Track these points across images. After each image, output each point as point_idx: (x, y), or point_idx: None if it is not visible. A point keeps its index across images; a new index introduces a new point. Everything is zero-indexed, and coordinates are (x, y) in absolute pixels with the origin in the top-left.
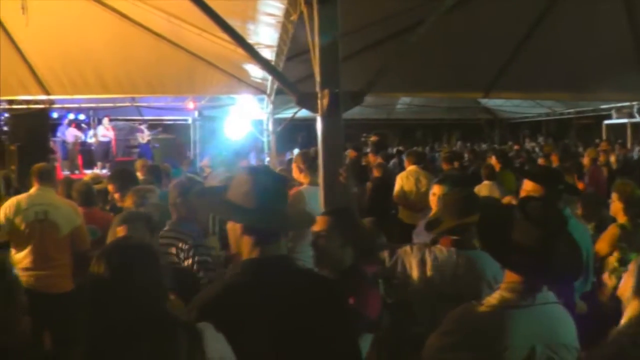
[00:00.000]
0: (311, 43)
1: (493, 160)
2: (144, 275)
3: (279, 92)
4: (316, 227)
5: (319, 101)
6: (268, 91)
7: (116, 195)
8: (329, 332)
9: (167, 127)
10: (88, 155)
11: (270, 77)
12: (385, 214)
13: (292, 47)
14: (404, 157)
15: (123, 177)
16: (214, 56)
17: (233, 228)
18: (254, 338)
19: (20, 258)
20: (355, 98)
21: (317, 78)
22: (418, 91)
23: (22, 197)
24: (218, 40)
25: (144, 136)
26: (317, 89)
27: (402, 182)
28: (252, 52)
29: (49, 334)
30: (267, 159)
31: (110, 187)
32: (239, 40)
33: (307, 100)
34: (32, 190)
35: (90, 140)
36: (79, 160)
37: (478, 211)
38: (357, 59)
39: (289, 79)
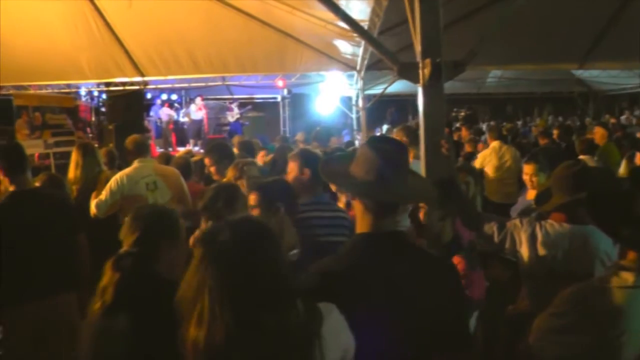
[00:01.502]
0: (409, 12)
1: (599, 131)
2: (263, 249)
3: (368, 68)
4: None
5: (420, 71)
6: (358, 67)
7: (212, 169)
8: (440, 313)
9: (256, 105)
10: (181, 133)
11: (360, 53)
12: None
13: (383, 21)
14: (487, 133)
15: (220, 151)
16: (303, 34)
17: (356, 203)
18: (363, 315)
19: None
20: (457, 67)
21: (418, 48)
22: (511, 63)
23: (128, 171)
24: (308, 17)
25: (233, 114)
26: (418, 58)
27: (486, 159)
28: (354, 25)
29: None
30: (357, 136)
31: (206, 161)
32: (339, 13)
33: (407, 70)
34: (136, 164)
35: (183, 119)
36: (173, 138)
37: (591, 186)
38: (453, 28)
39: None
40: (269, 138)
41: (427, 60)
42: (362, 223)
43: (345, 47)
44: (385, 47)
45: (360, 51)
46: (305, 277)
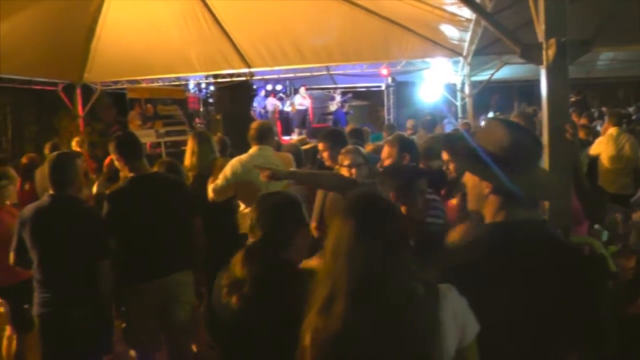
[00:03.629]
0: None
1: None
2: (387, 229)
3: (476, 53)
4: None
5: (543, 52)
6: (465, 52)
7: (325, 154)
8: (572, 308)
9: (360, 94)
10: (286, 122)
11: (467, 38)
12: (589, 179)
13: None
14: (605, 119)
15: (334, 137)
16: (409, 20)
17: (479, 185)
18: (496, 306)
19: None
20: (584, 47)
21: (541, 27)
22: (631, 44)
23: (244, 157)
24: (414, 3)
25: (334, 103)
26: (541, 38)
27: (602, 146)
28: (472, 5)
29: None
30: (459, 123)
31: (320, 146)
32: None
33: (530, 51)
34: (252, 150)
35: (287, 109)
36: (278, 128)
37: None
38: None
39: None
40: (373, 126)
41: (552, 40)
42: (490, 210)
43: (452, 32)
44: (506, 28)
45: (467, 36)
46: (431, 264)
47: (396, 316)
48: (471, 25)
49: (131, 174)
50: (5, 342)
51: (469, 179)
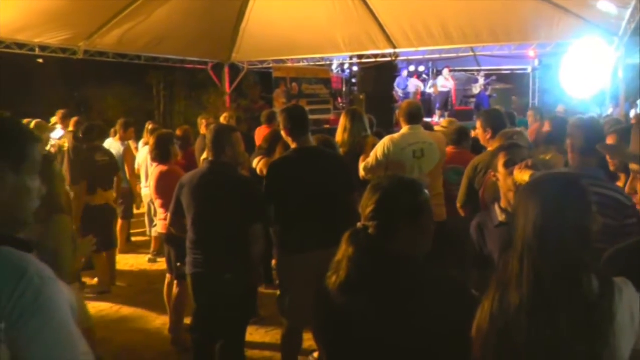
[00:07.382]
0: None
1: None
2: (574, 216)
3: (633, 33)
4: None
5: None
6: (621, 32)
7: (480, 133)
8: None
9: (503, 77)
10: (428, 104)
11: (627, 16)
12: None
13: None
14: None
15: (494, 118)
16: None
17: None
18: None
19: None
20: None
21: None
22: None
23: (396, 137)
24: None
25: (477, 86)
26: None
27: None
28: None
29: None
30: (610, 110)
31: (478, 124)
32: None
33: None
34: (404, 130)
35: (429, 90)
36: None
37: None
38: None
39: None
40: (518, 111)
41: None
42: None
43: (609, 9)
44: None
45: (627, 13)
46: (610, 254)
47: (569, 312)
48: (633, 2)
49: (293, 146)
50: (166, 288)
51: None
